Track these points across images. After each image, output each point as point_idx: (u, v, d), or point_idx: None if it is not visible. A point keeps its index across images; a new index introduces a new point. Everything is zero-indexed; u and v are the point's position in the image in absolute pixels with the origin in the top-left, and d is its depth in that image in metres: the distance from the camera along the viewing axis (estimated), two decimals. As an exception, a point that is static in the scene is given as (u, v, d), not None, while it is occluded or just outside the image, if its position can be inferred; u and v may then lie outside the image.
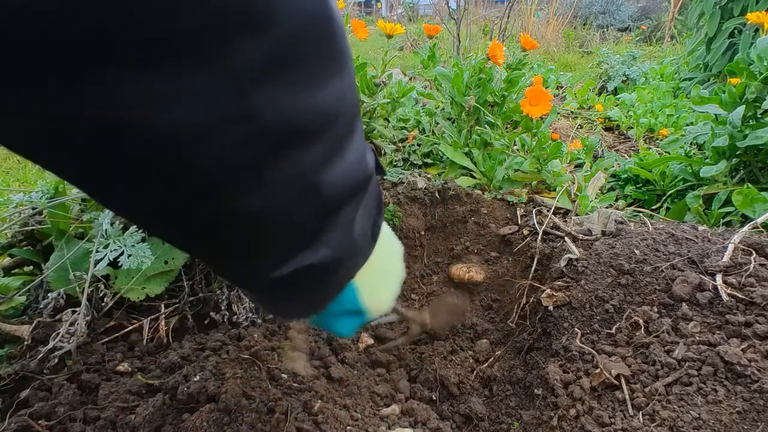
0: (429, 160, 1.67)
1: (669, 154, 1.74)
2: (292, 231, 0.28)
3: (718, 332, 0.73)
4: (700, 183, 1.39)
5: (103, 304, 0.83)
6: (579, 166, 1.74)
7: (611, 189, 1.64)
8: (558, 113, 2.74)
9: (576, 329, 0.85)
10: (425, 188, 1.23)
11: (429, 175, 1.42)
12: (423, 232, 1.21)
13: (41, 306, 0.81)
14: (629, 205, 1.51)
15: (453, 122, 1.69)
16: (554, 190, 1.36)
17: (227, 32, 0.18)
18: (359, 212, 0.32)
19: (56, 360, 0.75)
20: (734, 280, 0.79)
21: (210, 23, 0.18)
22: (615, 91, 3.41)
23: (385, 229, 0.43)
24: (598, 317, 0.85)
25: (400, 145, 1.70)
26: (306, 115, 0.23)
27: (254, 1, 0.19)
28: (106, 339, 0.84)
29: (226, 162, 0.22)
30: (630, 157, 2.03)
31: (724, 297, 0.77)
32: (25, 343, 0.77)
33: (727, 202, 1.24)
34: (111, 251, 0.73)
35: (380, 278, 0.42)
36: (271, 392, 0.73)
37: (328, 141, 0.25)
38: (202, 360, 0.79)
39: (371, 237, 0.36)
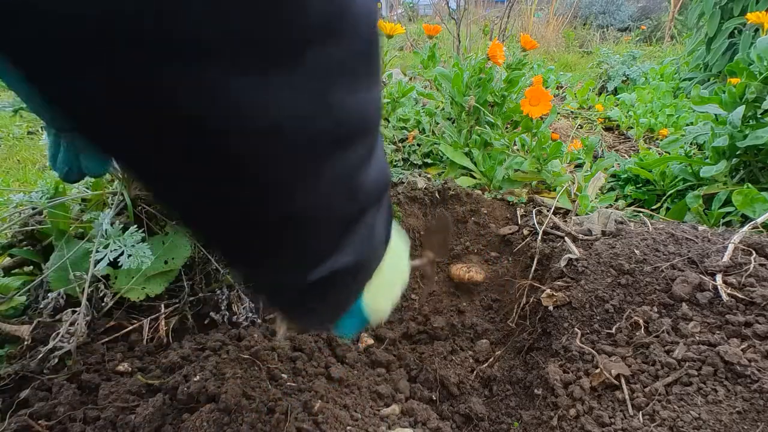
0: (429, 160, 1.67)
1: (669, 154, 1.74)
2: (329, 232, 0.28)
3: (718, 332, 0.73)
4: (700, 183, 1.39)
5: (103, 304, 0.83)
6: (579, 166, 1.74)
7: (611, 189, 1.64)
8: (558, 113, 2.75)
9: (576, 329, 0.85)
10: (425, 188, 1.23)
11: (429, 175, 1.42)
12: (423, 232, 1.21)
13: (41, 306, 0.80)
14: (629, 205, 1.51)
15: (453, 122, 1.69)
16: (554, 190, 1.36)
17: (310, 41, 0.20)
18: (379, 217, 0.33)
19: (56, 360, 0.75)
20: (734, 280, 0.79)
21: (298, 34, 0.20)
22: (615, 91, 3.41)
23: (394, 239, 0.43)
24: (598, 317, 0.85)
25: (400, 145, 1.70)
26: (357, 115, 0.24)
27: (332, 14, 0.21)
28: (106, 339, 0.84)
29: (291, 158, 0.23)
30: (630, 157, 2.03)
31: (724, 297, 0.77)
32: (25, 343, 0.77)
33: (727, 202, 1.24)
34: (111, 251, 0.73)
35: (384, 286, 0.42)
36: (271, 392, 0.73)
37: (367, 143, 0.27)
38: (202, 360, 0.79)
39: (385, 242, 0.37)
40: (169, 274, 0.90)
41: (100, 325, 0.85)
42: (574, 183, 1.34)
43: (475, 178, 1.45)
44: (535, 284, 1.03)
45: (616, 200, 1.51)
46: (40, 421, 0.66)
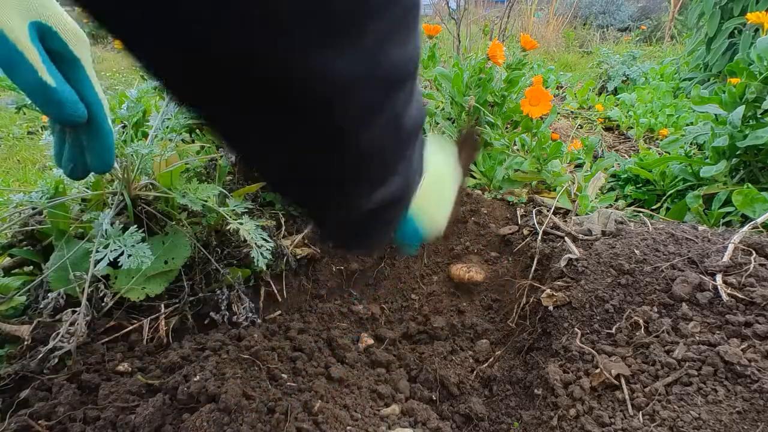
0: (429, 160, 1.67)
1: (669, 154, 1.74)
2: (383, 163, 0.34)
3: (718, 332, 0.73)
4: (700, 183, 1.39)
5: (103, 304, 0.83)
6: (579, 166, 1.74)
7: (611, 189, 1.64)
8: (558, 113, 2.75)
9: (576, 329, 0.85)
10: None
11: (429, 175, 1.42)
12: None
13: (41, 306, 0.80)
14: (629, 205, 1.51)
15: (453, 122, 1.69)
16: (554, 190, 1.36)
17: (372, 14, 0.25)
18: (417, 149, 0.39)
19: (56, 360, 0.75)
20: (734, 280, 0.79)
21: (361, 9, 0.24)
22: (615, 91, 3.41)
23: (436, 155, 0.48)
24: (598, 317, 0.85)
25: (400, 145, 1.69)
26: (402, 66, 0.29)
27: None
28: (106, 339, 0.84)
29: (355, 105, 0.28)
30: (630, 157, 2.03)
31: (724, 297, 0.77)
32: (25, 343, 0.77)
33: (727, 202, 1.24)
34: (111, 251, 0.73)
35: (434, 205, 0.48)
36: (271, 392, 0.73)
37: (409, 86, 0.31)
38: (202, 360, 0.79)
39: (420, 171, 0.42)
40: (169, 274, 0.90)
41: (100, 325, 0.85)
42: (574, 183, 1.34)
43: (475, 178, 1.45)
44: (535, 284, 1.03)
45: (616, 200, 1.51)
46: (40, 421, 0.66)
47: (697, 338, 0.73)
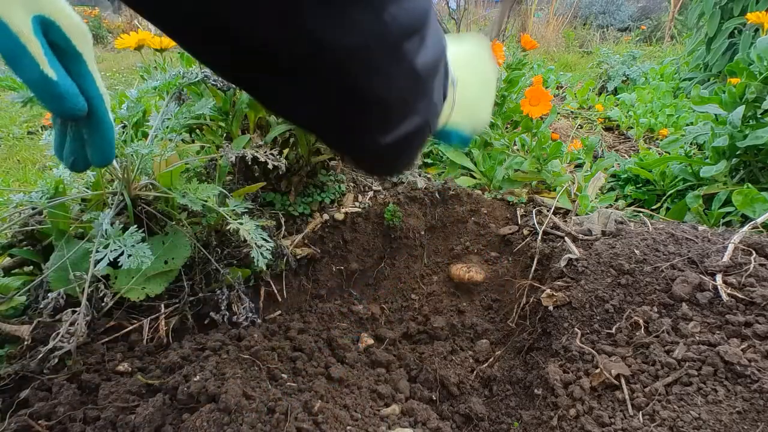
0: (429, 160, 1.67)
1: (669, 154, 1.74)
2: (401, 105, 0.37)
3: (718, 332, 0.73)
4: (700, 183, 1.39)
5: (103, 304, 0.83)
6: (579, 166, 1.74)
7: (611, 189, 1.64)
8: (558, 113, 2.75)
9: (576, 329, 0.85)
10: (425, 188, 1.23)
11: (429, 175, 1.42)
12: (423, 232, 1.21)
13: (41, 306, 0.80)
14: (629, 205, 1.51)
15: (453, 122, 1.68)
16: (554, 190, 1.36)
17: None
18: (436, 82, 0.41)
19: (56, 360, 0.75)
20: (734, 280, 0.79)
21: None
22: (615, 91, 3.41)
23: (467, 60, 0.51)
24: (598, 317, 0.85)
25: (400, 145, 1.69)
26: (413, 16, 0.32)
27: None
28: (106, 339, 0.84)
29: (367, 62, 0.31)
30: (630, 157, 2.03)
31: (724, 297, 0.77)
32: (25, 343, 0.77)
33: (727, 202, 1.24)
34: (111, 251, 0.73)
35: (470, 107, 0.51)
36: (271, 392, 0.73)
37: (421, 34, 0.34)
38: (202, 360, 0.79)
39: (443, 99, 0.45)
40: (169, 274, 0.90)
41: (100, 325, 0.85)
42: (574, 183, 1.34)
43: (475, 178, 1.45)
44: (535, 284, 1.03)
45: (616, 200, 1.51)
46: (40, 421, 0.66)
47: (697, 338, 0.73)
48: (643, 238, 0.95)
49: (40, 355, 0.74)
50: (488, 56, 0.55)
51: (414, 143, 0.44)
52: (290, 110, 0.36)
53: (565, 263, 0.99)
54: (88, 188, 0.94)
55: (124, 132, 0.83)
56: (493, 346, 1.02)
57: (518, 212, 1.22)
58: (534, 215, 1.17)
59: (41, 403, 0.69)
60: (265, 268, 0.88)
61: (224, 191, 0.90)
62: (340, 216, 1.15)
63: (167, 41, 1.04)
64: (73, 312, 0.77)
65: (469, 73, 0.51)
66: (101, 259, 0.72)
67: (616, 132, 2.59)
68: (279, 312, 1.04)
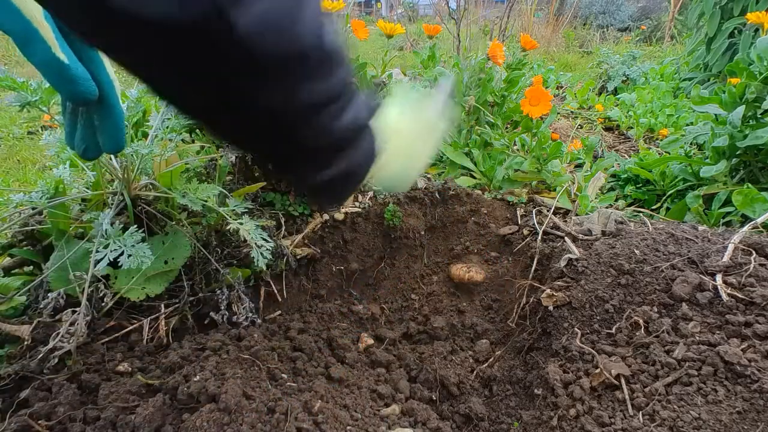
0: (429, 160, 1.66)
1: (669, 154, 1.74)
2: (324, 153, 0.45)
3: (718, 332, 0.73)
4: (700, 183, 1.39)
5: (103, 304, 0.83)
6: (579, 166, 1.74)
7: (611, 189, 1.64)
8: (558, 113, 2.75)
9: (576, 329, 0.85)
10: (425, 188, 1.23)
11: (429, 175, 1.42)
12: (423, 232, 1.21)
13: (41, 306, 0.80)
14: (629, 205, 1.51)
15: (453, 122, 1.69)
16: (554, 190, 1.36)
17: (281, 74, 0.35)
18: (362, 141, 0.48)
19: (56, 360, 0.75)
20: (734, 280, 0.79)
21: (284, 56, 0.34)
22: (615, 91, 3.41)
23: (404, 116, 0.58)
24: (598, 317, 0.85)
25: (400, 145, 1.69)
26: (324, 93, 0.39)
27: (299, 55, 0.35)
28: (106, 339, 0.84)
29: (291, 125, 0.39)
30: (630, 157, 2.03)
31: (724, 297, 0.77)
32: (25, 343, 0.77)
33: (727, 202, 1.24)
34: (111, 251, 0.73)
35: (401, 161, 0.58)
36: (271, 392, 0.73)
37: (338, 103, 0.41)
38: (202, 360, 0.79)
39: (370, 157, 0.51)
40: (169, 274, 0.90)
41: (100, 325, 0.85)
42: (574, 183, 1.34)
43: (475, 178, 1.45)
44: (535, 284, 1.04)
45: (616, 200, 1.51)
46: (40, 421, 0.66)
47: (697, 338, 0.73)
48: (643, 238, 0.95)
49: (40, 355, 0.74)
50: (434, 109, 0.60)
51: (345, 184, 0.51)
52: (240, 142, 0.43)
53: (565, 263, 0.99)
54: (88, 188, 0.94)
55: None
56: (493, 346, 1.02)
57: (518, 212, 1.22)
58: (534, 215, 1.17)
59: (41, 403, 0.69)
60: (265, 268, 0.88)
61: (224, 191, 0.90)
62: (340, 216, 1.15)
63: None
64: (73, 312, 0.77)
65: (407, 130, 0.57)
66: (101, 259, 0.72)
67: (616, 132, 2.59)
68: (279, 312, 1.04)
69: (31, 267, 0.94)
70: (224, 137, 0.43)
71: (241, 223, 0.84)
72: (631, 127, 2.50)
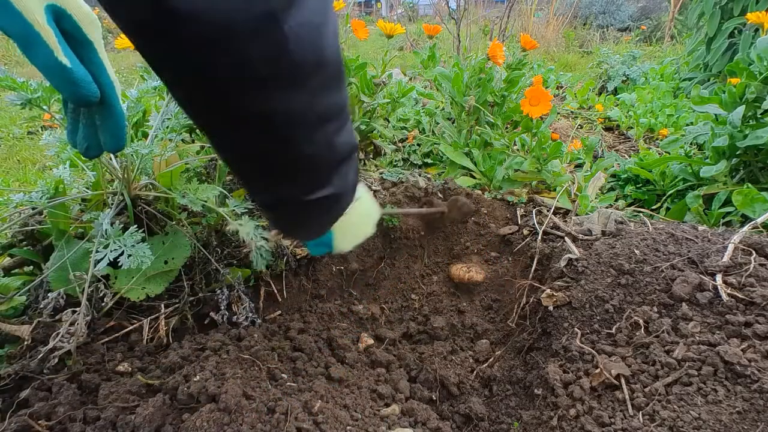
0: (429, 160, 1.67)
1: (669, 154, 1.74)
2: (319, 170, 0.48)
3: (718, 332, 0.73)
4: (700, 183, 1.39)
5: (103, 304, 0.83)
6: (579, 166, 1.74)
7: (611, 189, 1.64)
8: (558, 113, 2.75)
9: (576, 329, 0.85)
10: (425, 188, 1.23)
11: (429, 175, 1.42)
12: (423, 232, 1.21)
13: (41, 306, 0.80)
14: (629, 205, 1.51)
15: (453, 122, 1.69)
16: (554, 190, 1.36)
17: (308, 75, 0.39)
18: (351, 167, 0.52)
19: (56, 360, 0.75)
20: (734, 280, 0.79)
21: (302, 72, 0.39)
22: (615, 91, 3.41)
23: (366, 199, 0.65)
24: (598, 317, 0.85)
25: (400, 145, 1.70)
26: (334, 106, 0.44)
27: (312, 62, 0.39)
28: (106, 339, 0.84)
29: (299, 127, 0.42)
30: (630, 157, 2.03)
31: (724, 297, 0.77)
32: (25, 343, 0.77)
33: (727, 202, 1.24)
34: (111, 251, 0.73)
35: (351, 229, 0.64)
36: (271, 392, 0.73)
37: (339, 120, 0.45)
38: (202, 360, 0.79)
39: (353, 187, 0.56)
40: (169, 274, 0.90)
41: (100, 325, 0.85)
42: (574, 183, 1.34)
43: (475, 178, 1.45)
44: (535, 284, 1.03)
45: (616, 200, 1.51)
46: (40, 421, 0.66)
47: (697, 338, 0.73)
48: (643, 238, 0.95)
49: (40, 355, 0.74)
50: (370, 201, 0.69)
51: (329, 210, 0.54)
52: (229, 152, 0.45)
53: (565, 263, 0.99)
54: (88, 188, 0.94)
55: (124, 132, 0.83)
56: (493, 346, 1.02)
57: (518, 212, 1.22)
58: (534, 215, 1.17)
59: (41, 403, 0.69)
60: (265, 268, 0.88)
61: (224, 191, 0.90)
62: (340, 216, 1.15)
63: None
64: (73, 312, 0.77)
65: (361, 205, 0.63)
66: (101, 259, 0.72)
67: (616, 132, 2.59)
68: (279, 312, 1.04)
69: (31, 267, 0.94)
70: (230, 147, 0.44)
71: (241, 224, 0.84)
72: (631, 127, 2.50)
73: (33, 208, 0.87)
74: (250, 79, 0.37)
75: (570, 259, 0.99)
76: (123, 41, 1.03)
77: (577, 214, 1.19)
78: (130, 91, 0.88)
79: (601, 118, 2.73)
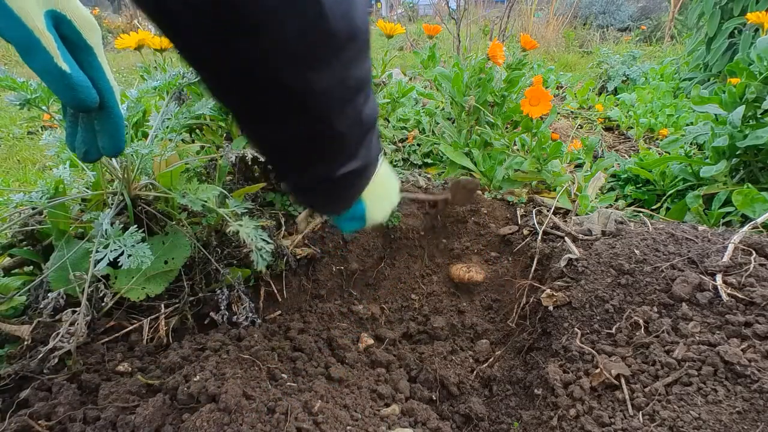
0: (429, 160, 1.67)
1: (669, 154, 1.74)
2: (350, 144, 0.47)
3: (718, 332, 0.73)
4: (700, 183, 1.39)
5: (103, 304, 0.83)
6: (579, 166, 1.74)
7: (611, 189, 1.64)
8: (558, 113, 2.75)
9: (576, 329, 0.85)
10: (425, 188, 1.23)
11: (429, 175, 1.42)
12: (423, 232, 1.21)
13: (41, 306, 0.80)
14: (629, 205, 1.51)
15: (453, 122, 1.69)
16: (554, 190, 1.36)
17: (340, 48, 0.38)
18: (374, 137, 0.51)
19: (56, 360, 0.75)
20: (734, 280, 0.79)
21: (335, 46, 0.38)
22: (615, 91, 3.41)
23: (387, 169, 0.64)
24: (598, 317, 0.85)
25: (400, 145, 1.70)
26: (363, 75, 0.42)
27: (350, 32, 0.38)
28: (106, 339, 0.84)
29: (331, 100, 0.41)
30: (630, 157, 2.03)
31: (724, 297, 0.77)
32: (25, 343, 0.77)
33: (727, 202, 1.24)
34: (111, 251, 0.73)
35: (379, 200, 0.64)
36: (271, 392, 0.73)
37: (365, 91, 0.44)
38: (202, 360, 0.79)
39: (377, 157, 0.55)
40: (169, 274, 0.90)
41: (100, 325, 0.85)
42: (574, 183, 1.34)
43: (475, 178, 1.45)
44: (535, 284, 1.03)
45: (616, 200, 1.51)
46: (40, 421, 0.66)
47: (697, 338, 0.73)
48: (643, 238, 0.95)
49: (40, 355, 0.74)
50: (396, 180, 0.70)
51: (356, 183, 0.54)
52: (262, 134, 0.45)
53: (565, 263, 0.99)
54: (88, 188, 0.94)
55: (124, 132, 0.83)
56: (493, 346, 1.02)
57: (518, 212, 1.22)
58: (534, 215, 1.17)
59: (41, 403, 0.69)
60: (265, 268, 0.88)
61: (224, 191, 0.90)
62: (340, 216, 1.15)
63: (167, 41, 1.04)
64: (73, 312, 0.77)
65: (385, 173, 0.63)
66: (101, 259, 0.72)
67: (616, 132, 2.59)
68: (279, 312, 1.04)
69: (31, 267, 0.94)
70: (261, 131, 0.44)
71: (241, 224, 0.84)
72: (631, 127, 2.50)
73: (33, 208, 0.87)
74: (286, 56, 0.35)
75: (570, 259, 0.99)
76: (123, 42, 1.03)
77: (577, 214, 1.19)
78: (130, 91, 0.88)
79: (601, 118, 2.73)
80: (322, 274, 1.13)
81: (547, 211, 1.19)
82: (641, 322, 0.80)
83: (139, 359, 0.82)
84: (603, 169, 1.56)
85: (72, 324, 0.76)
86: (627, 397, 0.70)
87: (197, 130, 1.13)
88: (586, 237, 1.06)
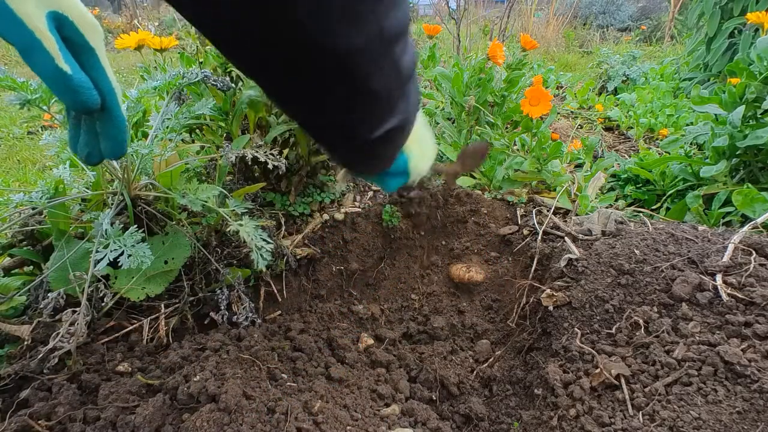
0: (429, 160, 1.66)
1: (669, 154, 1.74)
2: (388, 100, 0.45)
3: (718, 332, 0.73)
4: (700, 183, 1.39)
5: (103, 304, 0.83)
6: (579, 166, 1.74)
7: (611, 189, 1.64)
8: (558, 113, 2.75)
9: (576, 329, 0.85)
10: (425, 186, 1.22)
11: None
12: (423, 232, 1.21)
13: (41, 306, 0.80)
14: (629, 205, 1.51)
15: (453, 122, 1.69)
16: (554, 190, 1.36)
17: (375, 3, 0.36)
18: (413, 88, 0.48)
19: (56, 360, 0.75)
20: (734, 280, 0.79)
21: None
22: (615, 91, 3.41)
23: (423, 118, 0.61)
24: (598, 317, 0.85)
25: (400, 145, 1.69)
26: (396, 26, 0.39)
27: None
28: (106, 339, 0.84)
29: (368, 57, 0.38)
30: (630, 157, 2.03)
31: (724, 297, 0.77)
32: (25, 343, 0.77)
33: (727, 202, 1.24)
34: (111, 251, 0.73)
35: (422, 150, 0.61)
36: (271, 392, 0.73)
37: (404, 39, 0.42)
38: (202, 360, 0.79)
39: (417, 105, 0.52)
40: (169, 274, 0.90)
41: (100, 325, 0.85)
42: (574, 183, 1.34)
43: (475, 178, 1.45)
44: (535, 284, 1.03)
45: (616, 200, 1.51)
46: (40, 421, 0.66)
47: (697, 338, 0.73)
48: (643, 238, 0.95)
49: (40, 355, 0.74)
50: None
51: (395, 140, 0.51)
52: (295, 104, 0.43)
53: (565, 263, 0.99)
54: (88, 188, 0.94)
55: (124, 132, 0.83)
56: (493, 346, 1.02)
57: (518, 212, 1.22)
58: (534, 215, 1.17)
59: (41, 403, 0.69)
60: (265, 268, 0.88)
61: (224, 191, 0.90)
62: (340, 216, 1.15)
63: (167, 41, 1.04)
64: (73, 312, 0.77)
65: (423, 125, 0.61)
66: (101, 259, 0.72)
67: (616, 132, 2.59)
68: (279, 312, 1.04)
69: (31, 267, 0.94)
70: (297, 99, 0.42)
71: (241, 224, 0.84)
72: (631, 127, 2.50)
73: (33, 208, 0.87)
74: (322, 14, 0.34)
75: (570, 259, 0.99)
76: (123, 42, 1.03)
77: (577, 214, 1.19)
78: (130, 91, 0.88)
79: (601, 118, 2.73)
80: (322, 274, 1.13)
81: (547, 211, 1.19)
82: (641, 322, 0.80)
83: (139, 359, 0.82)
84: (603, 169, 1.56)
85: (72, 324, 0.76)
86: (627, 397, 0.70)
87: (197, 130, 1.13)
88: (586, 237, 1.06)
